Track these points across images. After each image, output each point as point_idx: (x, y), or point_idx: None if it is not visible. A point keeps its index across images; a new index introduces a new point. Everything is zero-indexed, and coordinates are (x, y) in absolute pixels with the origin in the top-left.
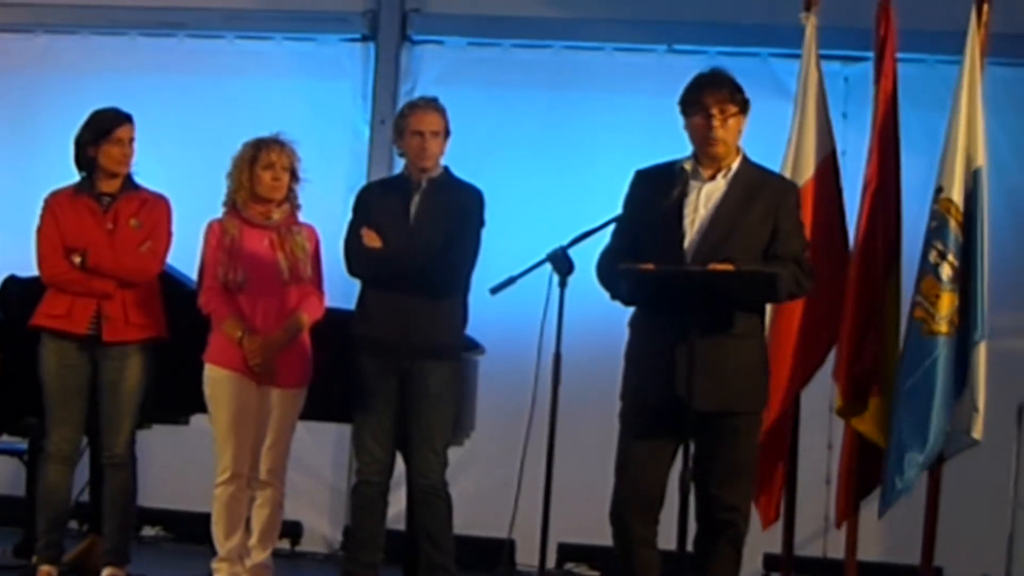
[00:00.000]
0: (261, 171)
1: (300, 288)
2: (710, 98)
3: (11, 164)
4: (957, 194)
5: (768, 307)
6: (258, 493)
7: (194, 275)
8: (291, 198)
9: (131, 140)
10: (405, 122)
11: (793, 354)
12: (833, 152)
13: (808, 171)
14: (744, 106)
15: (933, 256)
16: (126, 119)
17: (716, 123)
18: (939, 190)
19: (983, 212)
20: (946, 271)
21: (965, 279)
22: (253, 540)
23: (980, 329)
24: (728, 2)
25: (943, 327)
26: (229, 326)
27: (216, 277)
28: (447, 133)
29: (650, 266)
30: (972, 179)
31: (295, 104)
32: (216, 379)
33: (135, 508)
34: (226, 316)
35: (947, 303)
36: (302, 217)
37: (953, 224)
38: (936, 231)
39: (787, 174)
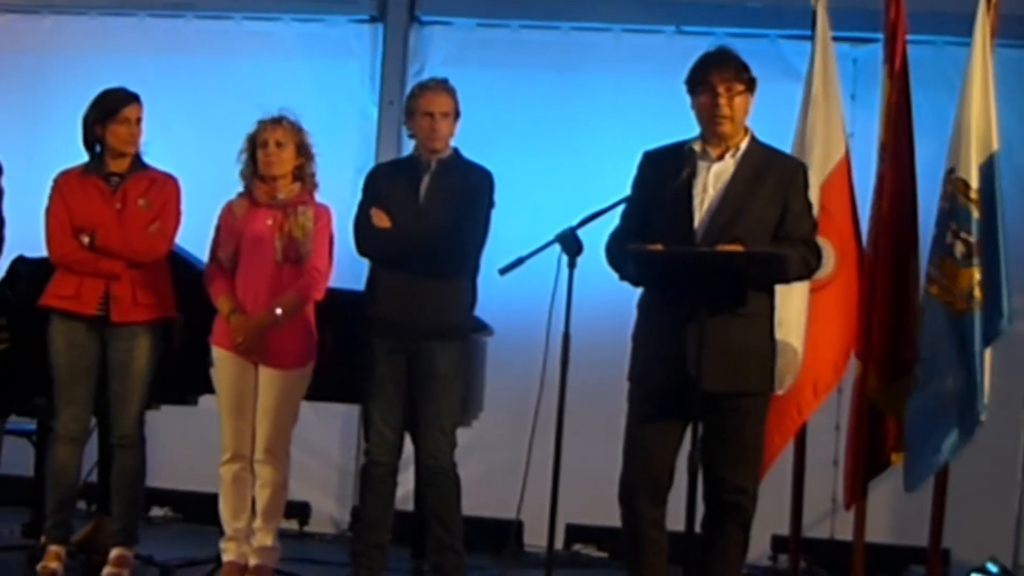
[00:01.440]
0: (258, 149)
1: (298, 268)
2: (716, 76)
3: (20, 145)
4: (971, 175)
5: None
6: (258, 474)
7: (204, 255)
8: (302, 176)
9: (138, 120)
10: (415, 103)
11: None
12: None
13: (838, 155)
14: (750, 84)
15: (948, 237)
16: (133, 98)
17: (722, 101)
18: (951, 171)
19: (1001, 197)
20: (960, 249)
21: (987, 264)
22: (257, 522)
23: (1007, 315)
24: None
25: (963, 304)
26: (221, 304)
27: (217, 256)
28: (457, 114)
29: (659, 247)
30: (989, 164)
31: (303, 85)
32: (217, 359)
33: (143, 488)
34: (220, 294)
35: (964, 280)
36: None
37: (965, 202)
38: (951, 212)
39: (812, 158)
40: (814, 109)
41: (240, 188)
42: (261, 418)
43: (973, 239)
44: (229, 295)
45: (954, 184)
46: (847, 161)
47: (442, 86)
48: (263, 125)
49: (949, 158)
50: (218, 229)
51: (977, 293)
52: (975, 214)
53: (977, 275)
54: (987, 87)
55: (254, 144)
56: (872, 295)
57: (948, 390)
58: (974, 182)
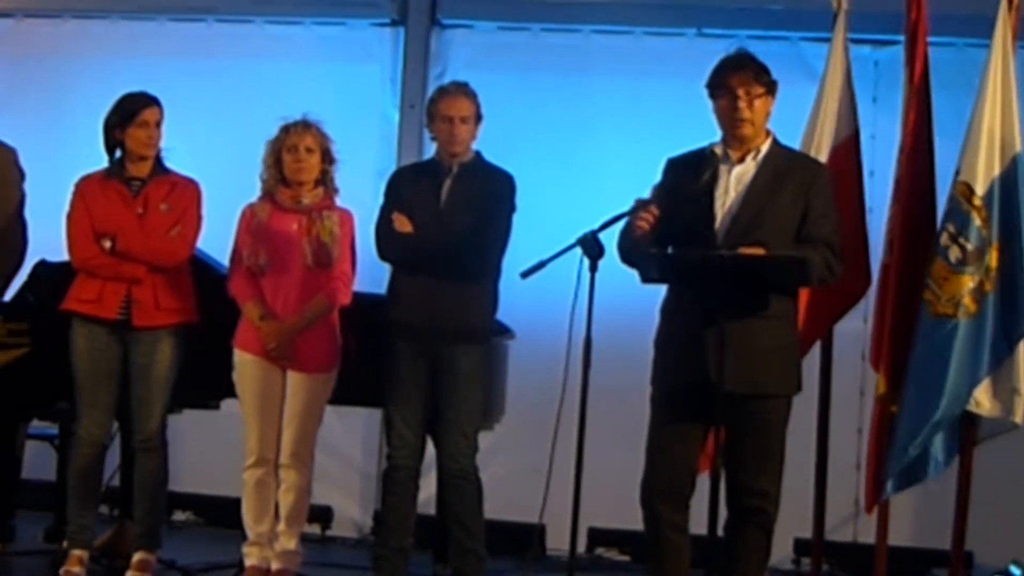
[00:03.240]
0: (285, 154)
1: (326, 273)
2: (735, 80)
3: (41, 149)
4: (976, 180)
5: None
6: (282, 478)
7: (225, 259)
8: (326, 181)
9: (157, 123)
10: (435, 107)
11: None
12: (855, 133)
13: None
14: (771, 87)
15: (944, 238)
16: (152, 101)
17: (742, 104)
18: (956, 173)
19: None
20: (955, 253)
21: (1008, 265)
22: (281, 526)
23: None
24: None
25: (949, 309)
26: (249, 309)
27: (243, 261)
28: (478, 118)
29: (667, 251)
30: (1012, 166)
31: (324, 89)
32: (242, 363)
33: (166, 493)
34: (248, 299)
35: (953, 285)
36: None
37: (967, 208)
38: (948, 214)
39: (813, 153)
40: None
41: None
42: (288, 422)
43: (971, 246)
44: (257, 300)
45: (958, 188)
46: (849, 152)
47: (462, 90)
48: (293, 130)
49: (959, 160)
50: (242, 234)
51: (968, 302)
52: (976, 221)
53: (970, 283)
54: (1009, 89)
55: (279, 148)
56: (884, 301)
57: (924, 397)
58: (980, 188)
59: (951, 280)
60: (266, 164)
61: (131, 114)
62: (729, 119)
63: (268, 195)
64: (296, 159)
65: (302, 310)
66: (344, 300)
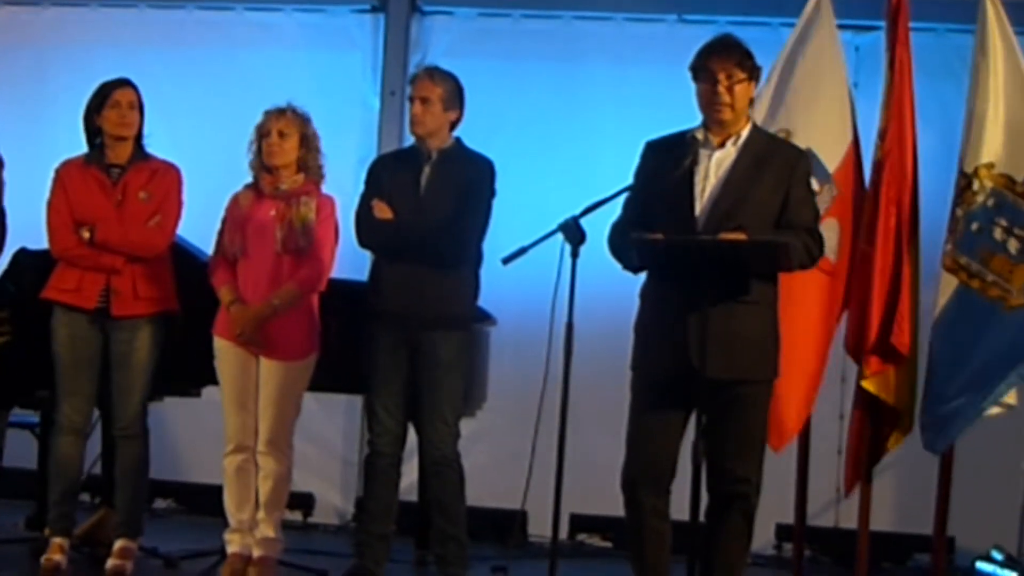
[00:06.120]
0: (262, 140)
1: (299, 259)
2: (717, 64)
3: (21, 138)
4: (1018, 169)
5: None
6: (260, 465)
7: (207, 248)
8: (307, 167)
9: (131, 104)
10: (409, 91)
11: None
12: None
13: (846, 143)
14: (753, 73)
15: (999, 233)
16: (124, 83)
17: (721, 89)
18: (990, 165)
19: None
20: (1014, 245)
21: None
22: (260, 513)
23: None
24: None
25: (1017, 300)
26: (223, 294)
27: (221, 247)
28: (450, 103)
29: (659, 235)
30: None
31: (305, 76)
32: (219, 349)
33: (147, 480)
34: (221, 285)
35: (1020, 276)
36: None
37: (1014, 198)
38: (998, 208)
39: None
40: (819, 98)
41: (248, 179)
42: (263, 410)
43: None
44: (230, 285)
45: (997, 180)
46: (854, 150)
47: (428, 72)
48: (268, 115)
49: (986, 152)
50: (224, 220)
51: None
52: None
53: None
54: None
55: (257, 134)
56: (867, 284)
57: (979, 380)
58: (1019, 176)
59: (1017, 272)
60: (252, 151)
61: (104, 97)
62: (709, 103)
63: (253, 181)
64: (268, 143)
65: (269, 297)
66: (318, 287)
